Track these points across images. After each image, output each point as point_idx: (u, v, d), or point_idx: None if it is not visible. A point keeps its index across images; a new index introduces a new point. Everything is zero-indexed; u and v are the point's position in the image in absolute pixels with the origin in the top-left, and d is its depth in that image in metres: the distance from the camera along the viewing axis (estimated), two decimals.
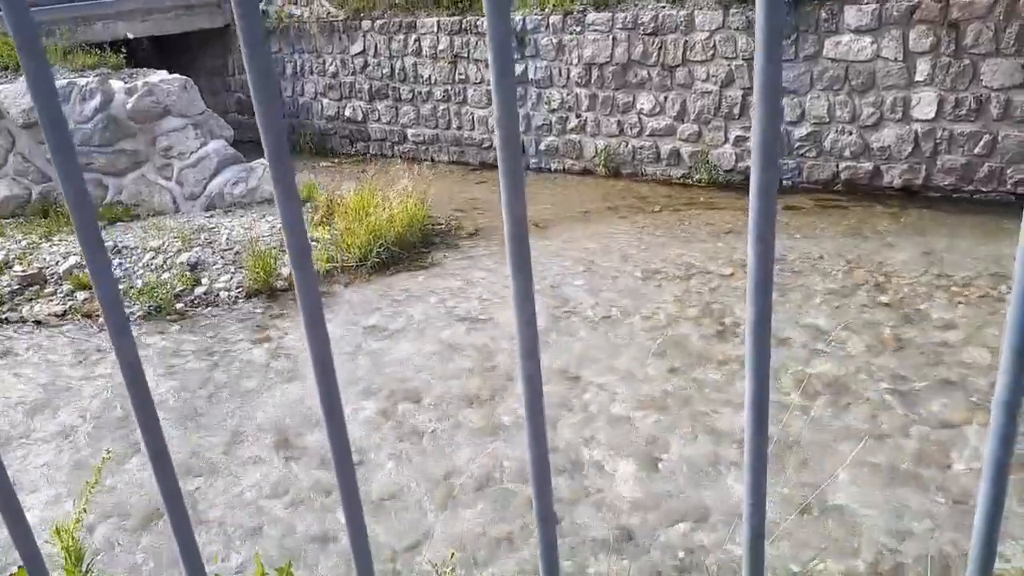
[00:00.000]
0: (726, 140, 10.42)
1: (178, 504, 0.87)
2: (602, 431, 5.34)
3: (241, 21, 0.64)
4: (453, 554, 3.92)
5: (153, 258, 8.58)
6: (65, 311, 7.78)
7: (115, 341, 0.80)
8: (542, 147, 11.97)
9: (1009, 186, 8.78)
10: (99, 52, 11.78)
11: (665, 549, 4.24)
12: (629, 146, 11.22)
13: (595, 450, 5.14)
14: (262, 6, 14.15)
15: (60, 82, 10.01)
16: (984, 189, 8.95)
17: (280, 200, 0.71)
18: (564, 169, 11.87)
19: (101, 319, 7.48)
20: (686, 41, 10.36)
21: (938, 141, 9.12)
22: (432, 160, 13.13)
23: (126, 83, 10.39)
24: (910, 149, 9.31)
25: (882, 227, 8.69)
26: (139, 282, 8.03)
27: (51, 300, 7.97)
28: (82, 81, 10.27)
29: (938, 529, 4.17)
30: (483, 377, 6.16)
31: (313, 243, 8.56)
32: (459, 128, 12.91)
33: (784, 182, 10.14)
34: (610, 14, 10.85)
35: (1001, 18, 8.41)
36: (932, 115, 9.06)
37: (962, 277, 7.19)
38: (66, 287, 8.12)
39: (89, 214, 0.74)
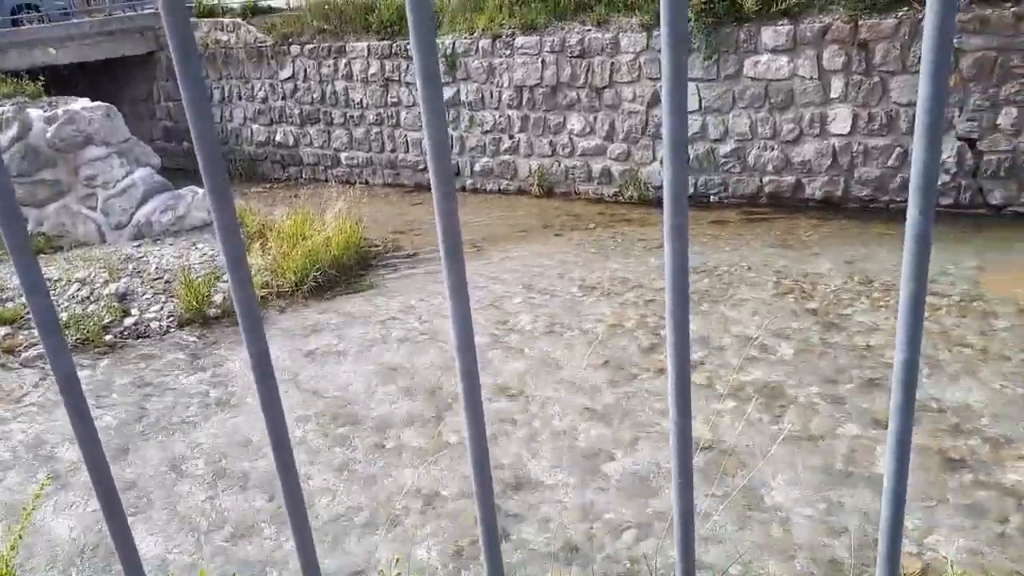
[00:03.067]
0: (654, 159, 10.70)
1: (119, 512, 0.87)
2: (546, 445, 5.38)
3: (173, 41, 0.67)
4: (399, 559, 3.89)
5: (79, 290, 8.30)
6: None
7: (51, 355, 0.80)
8: (477, 168, 12.06)
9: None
10: (15, 81, 11.40)
11: (611, 559, 4.29)
12: (562, 166, 11.40)
13: (540, 464, 5.18)
14: None
15: None
16: (899, 199, 9.40)
17: (214, 205, 0.73)
18: (499, 189, 11.98)
19: (23, 355, 7.21)
20: (612, 63, 10.62)
21: (854, 155, 9.56)
22: (367, 183, 13.08)
23: (45, 112, 10.08)
24: (829, 163, 9.73)
25: (806, 237, 9.03)
26: (64, 315, 7.75)
27: None
28: None
29: (870, 523, 4.34)
30: (426, 398, 6.14)
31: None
32: (393, 151, 12.91)
33: (711, 197, 10.45)
34: (538, 37, 11.06)
35: (907, 37, 8.90)
36: (848, 130, 9.50)
37: (882, 283, 7.52)
38: None
39: (22, 230, 0.75)
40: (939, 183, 9.11)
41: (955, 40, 8.68)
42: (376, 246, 9.83)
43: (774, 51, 9.63)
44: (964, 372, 5.82)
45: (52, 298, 7.48)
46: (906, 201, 0.76)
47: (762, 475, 4.80)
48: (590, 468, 5.10)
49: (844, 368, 6.04)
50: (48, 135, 9.84)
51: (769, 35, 9.60)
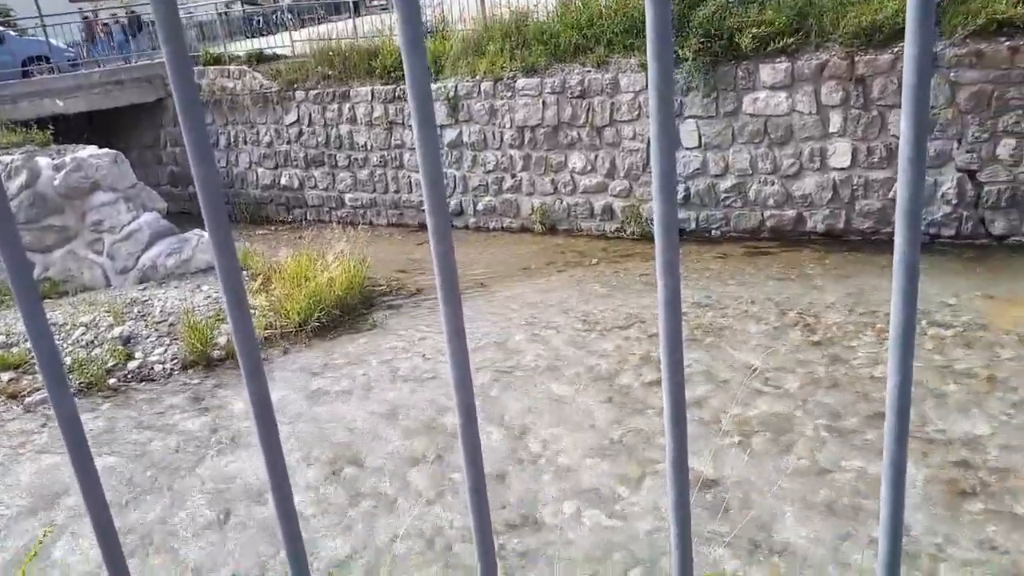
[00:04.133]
0: None
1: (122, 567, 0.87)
2: (551, 483, 5.34)
3: (176, 88, 0.69)
4: None
5: (83, 334, 8.33)
6: None
7: (53, 397, 0.81)
8: (480, 207, 12.15)
9: (922, 228, 9.28)
10: (25, 130, 11.59)
11: None
12: (564, 203, 11.49)
13: (546, 502, 5.13)
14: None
15: None
16: None
17: (216, 248, 0.74)
18: (503, 227, 12.05)
19: (27, 400, 7.20)
20: (612, 103, 10.76)
21: (855, 188, 9.61)
22: (371, 223, 13.18)
23: (54, 159, 10.22)
24: (830, 196, 9.78)
25: (809, 270, 9.04)
26: (68, 359, 7.77)
27: None
28: (6, 159, 10.05)
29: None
30: (430, 437, 6.11)
31: (251, 311, 8.43)
32: (397, 191, 13.03)
33: (713, 232, 10.49)
34: (539, 79, 11.22)
35: (902, 72, 9.00)
36: (848, 164, 9.57)
37: (886, 314, 7.49)
38: None
39: (28, 277, 0.77)
40: (941, 214, 9.15)
41: (951, 74, 8.81)
42: (380, 285, 9.87)
43: (772, 88, 9.75)
44: (971, 403, 5.78)
45: (57, 342, 7.51)
46: None
47: (769, 510, 4.74)
48: (596, 506, 5.05)
49: (851, 401, 6.00)
50: (56, 182, 9.96)
51: (767, 72, 9.73)
